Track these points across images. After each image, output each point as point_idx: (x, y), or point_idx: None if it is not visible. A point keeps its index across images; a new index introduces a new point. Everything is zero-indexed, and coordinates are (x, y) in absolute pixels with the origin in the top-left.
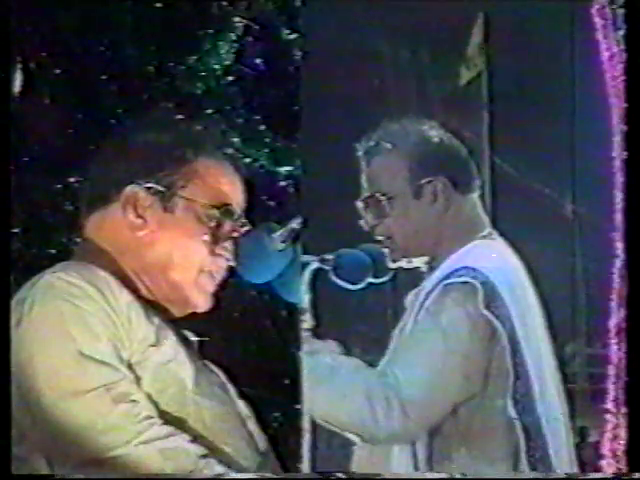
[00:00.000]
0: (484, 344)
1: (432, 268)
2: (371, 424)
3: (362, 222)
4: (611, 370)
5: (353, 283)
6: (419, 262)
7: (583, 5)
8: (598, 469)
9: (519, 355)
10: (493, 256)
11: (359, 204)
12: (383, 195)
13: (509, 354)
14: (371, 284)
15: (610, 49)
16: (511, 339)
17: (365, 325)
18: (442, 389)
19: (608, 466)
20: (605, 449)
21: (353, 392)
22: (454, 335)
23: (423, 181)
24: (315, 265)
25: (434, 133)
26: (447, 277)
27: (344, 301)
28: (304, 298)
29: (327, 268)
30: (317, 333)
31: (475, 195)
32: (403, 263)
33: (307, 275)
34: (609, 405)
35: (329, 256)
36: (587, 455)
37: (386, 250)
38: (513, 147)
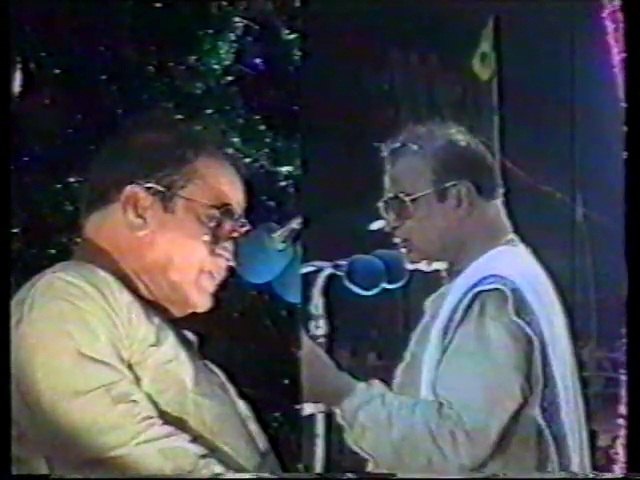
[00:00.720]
0: (526, 353)
1: (452, 273)
2: (440, 461)
3: (376, 223)
4: (623, 374)
5: (366, 289)
6: (439, 266)
7: (593, 8)
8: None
9: (547, 363)
10: (518, 263)
11: (380, 204)
12: (407, 196)
13: (540, 362)
14: (385, 290)
15: (622, 52)
16: (541, 347)
17: (379, 330)
18: (500, 406)
19: (620, 471)
20: (618, 454)
21: (416, 435)
22: (500, 349)
23: (448, 184)
24: (328, 271)
25: (461, 137)
26: (475, 285)
27: (357, 307)
28: (318, 304)
29: (340, 274)
30: (332, 339)
31: (498, 201)
32: (422, 265)
33: (320, 281)
34: (623, 410)
35: (342, 262)
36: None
37: (404, 251)
38: (524, 151)
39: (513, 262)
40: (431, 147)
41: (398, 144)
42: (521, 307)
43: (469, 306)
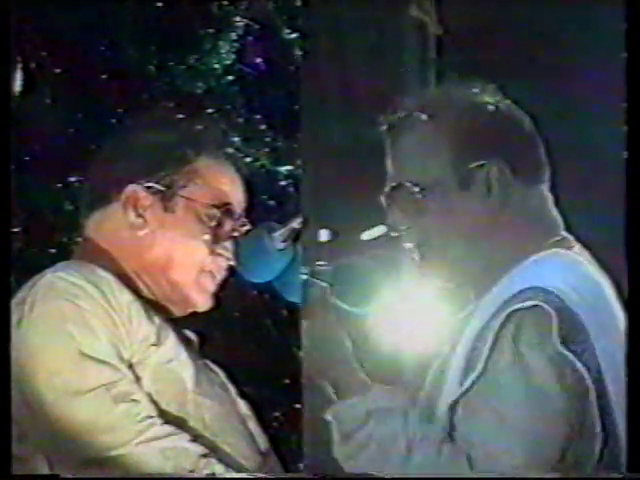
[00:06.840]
0: (574, 395)
1: (479, 288)
2: None
3: (374, 230)
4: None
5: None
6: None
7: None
8: None
9: (606, 405)
10: (570, 271)
11: (382, 199)
12: (416, 185)
13: (596, 406)
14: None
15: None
16: (597, 385)
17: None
18: (538, 461)
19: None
20: None
21: None
22: (541, 389)
23: (472, 165)
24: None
25: (488, 99)
26: (508, 301)
27: None
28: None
29: (322, 284)
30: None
31: (544, 187)
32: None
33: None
34: None
35: (322, 265)
36: None
37: (416, 261)
38: None
39: (563, 270)
40: (447, 114)
41: (402, 114)
42: (571, 333)
43: (501, 329)
